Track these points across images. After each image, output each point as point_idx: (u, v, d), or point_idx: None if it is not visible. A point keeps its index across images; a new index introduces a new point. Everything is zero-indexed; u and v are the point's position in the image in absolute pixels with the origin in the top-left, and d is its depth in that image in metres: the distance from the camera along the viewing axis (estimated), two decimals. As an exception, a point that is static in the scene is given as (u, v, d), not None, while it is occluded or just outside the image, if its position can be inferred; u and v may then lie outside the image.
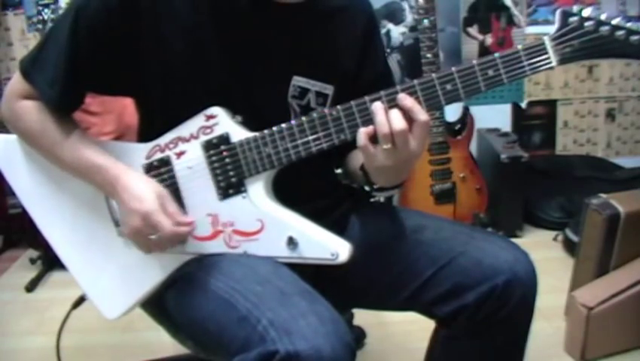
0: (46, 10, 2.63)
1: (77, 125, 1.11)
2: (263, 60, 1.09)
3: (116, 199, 1.07)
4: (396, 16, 2.84)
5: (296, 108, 1.12)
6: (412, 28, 2.80)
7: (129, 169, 1.06)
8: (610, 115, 3.05)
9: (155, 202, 1.01)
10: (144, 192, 1.02)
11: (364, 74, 1.19)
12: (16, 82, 1.09)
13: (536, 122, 3.03)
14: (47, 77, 1.05)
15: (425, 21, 2.38)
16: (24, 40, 2.83)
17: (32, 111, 1.07)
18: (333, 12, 1.16)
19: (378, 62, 1.24)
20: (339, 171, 1.47)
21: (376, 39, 1.25)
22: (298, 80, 1.12)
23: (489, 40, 2.91)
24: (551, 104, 3.02)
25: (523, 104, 3.00)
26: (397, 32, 2.85)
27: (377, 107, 0.96)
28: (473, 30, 2.91)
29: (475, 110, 2.67)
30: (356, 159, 1.18)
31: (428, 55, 2.40)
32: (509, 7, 2.89)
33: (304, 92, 1.13)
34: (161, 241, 1.02)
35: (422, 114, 0.95)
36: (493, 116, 2.92)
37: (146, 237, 1.02)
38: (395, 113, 0.95)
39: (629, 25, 0.92)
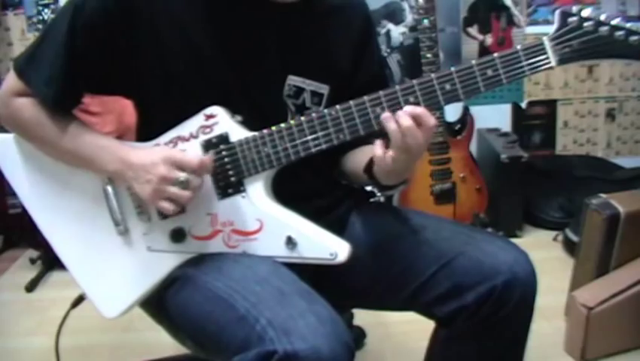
0: (46, 10, 2.64)
1: (74, 115, 1.11)
2: (259, 59, 1.09)
3: (127, 173, 1.04)
4: (396, 16, 2.84)
5: (291, 107, 1.13)
6: (412, 28, 2.80)
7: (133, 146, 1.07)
8: (610, 115, 3.04)
9: (169, 149, 1.04)
10: (157, 147, 1.06)
11: (360, 75, 1.19)
12: (11, 80, 1.09)
13: (536, 122, 3.03)
14: (43, 76, 1.05)
15: (425, 21, 2.38)
16: (24, 40, 2.83)
17: (27, 107, 1.07)
18: (329, 12, 1.16)
19: (374, 62, 1.24)
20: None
21: (372, 40, 1.25)
22: (293, 80, 1.12)
23: (489, 40, 2.91)
24: (551, 104, 3.02)
25: (523, 104, 3.00)
26: (397, 32, 2.85)
27: (386, 117, 0.97)
28: (473, 30, 2.90)
29: (475, 110, 2.67)
30: (356, 159, 1.18)
31: (428, 55, 2.39)
32: (509, 7, 2.88)
33: (299, 91, 1.13)
34: (191, 180, 1.01)
35: (431, 119, 0.97)
36: (493, 116, 2.91)
37: (173, 184, 1.00)
38: (404, 118, 0.96)
39: (628, 25, 0.91)
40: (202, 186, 1.03)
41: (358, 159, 1.18)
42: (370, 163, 1.08)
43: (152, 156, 1.02)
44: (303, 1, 1.10)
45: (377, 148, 1.00)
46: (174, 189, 1.01)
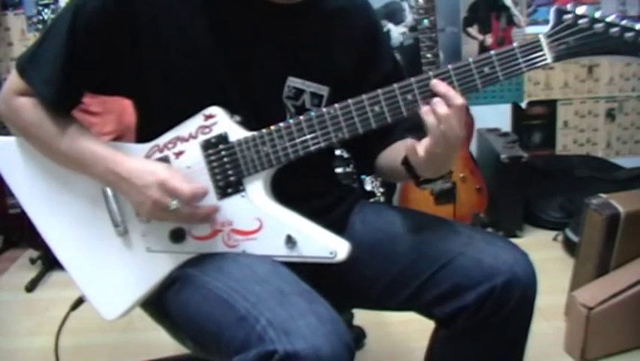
0: (46, 10, 2.64)
1: (75, 119, 1.11)
2: (259, 60, 1.09)
3: (121, 186, 1.06)
4: (396, 16, 2.84)
5: (291, 109, 1.13)
6: (412, 28, 2.80)
7: (129, 155, 1.07)
8: (610, 115, 3.05)
9: (166, 171, 1.03)
10: (153, 166, 1.05)
11: (371, 76, 1.18)
12: (13, 79, 1.09)
13: (536, 122, 3.03)
14: (44, 76, 1.06)
15: (425, 21, 2.38)
16: (24, 40, 2.83)
17: (29, 107, 1.08)
18: (331, 14, 1.15)
19: (385, 62, 1.22)
20: (339, 170, 1.46)
21: (380, 40, 1.24)
22: (293, 81, 1.12)
23: (489, 40, 2.91)
24: (551, 104, 3.02)
25: (523, 104, 3.00)
26: (397, 32, 2.85)
27: (426, 111, 0.97)
28: (473, 30, 2.91)
29: (475, 110, 2.67)
30: (393, 155, 1.17)
31: (428, 55, 2.39)
32: (509, 7, 2.89)
33: (299, 92, 1.13)
34: (181, 208, 1.01)
35: (457, 99, 0.95)
36: (493, 116, 2.92)
37: (165, 210, 1.02)
38: (439, 105, 0.96)
39: (623, 22, 0.92)
40: (194, 216, 1.04)
41: (394, 154, 1.16)
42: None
43: (147, 178, 1.02)
44: (304, 2, 1.09)
45: (415, 145, 0.99)
46: (164, 215, 1.03)
